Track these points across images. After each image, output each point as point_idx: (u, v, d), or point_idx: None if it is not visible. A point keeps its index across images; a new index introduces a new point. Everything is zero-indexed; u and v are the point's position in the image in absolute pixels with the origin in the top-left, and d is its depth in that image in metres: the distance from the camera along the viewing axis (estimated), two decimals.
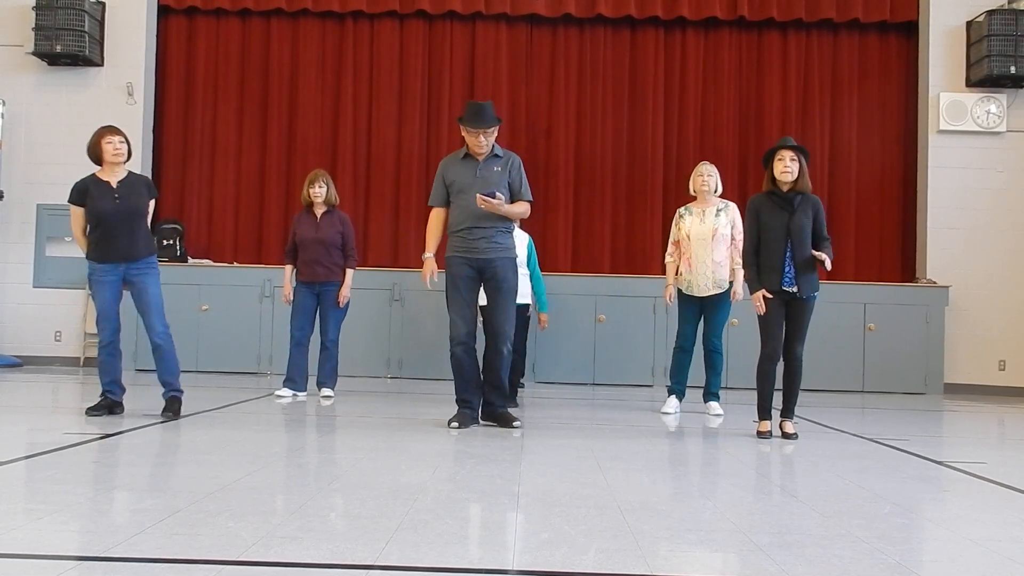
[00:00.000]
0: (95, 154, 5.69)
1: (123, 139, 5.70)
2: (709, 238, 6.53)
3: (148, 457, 4.55)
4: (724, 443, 5.44)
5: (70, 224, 5.79)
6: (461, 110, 10.41)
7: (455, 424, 5.55)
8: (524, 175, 5.78)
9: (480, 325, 5.84)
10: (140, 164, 9.81)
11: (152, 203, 5.78)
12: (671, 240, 6.78)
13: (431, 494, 3.47)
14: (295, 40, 10.72)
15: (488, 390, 5.70)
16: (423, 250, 10.37)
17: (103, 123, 9.87)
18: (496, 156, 5.70)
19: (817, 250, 5.43)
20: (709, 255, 6.52)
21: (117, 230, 5.57)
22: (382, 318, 9.63)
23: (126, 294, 5.72)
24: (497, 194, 5.47)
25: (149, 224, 5.79)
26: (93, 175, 5.72)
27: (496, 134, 5.72)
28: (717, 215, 6.60)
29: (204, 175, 10.45)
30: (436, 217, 5.82)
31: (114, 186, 5.63)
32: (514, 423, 5.59)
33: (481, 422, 5.71)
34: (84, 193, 5.63)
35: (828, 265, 5.43)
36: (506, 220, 5.65)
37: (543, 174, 10.40)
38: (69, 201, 5.67)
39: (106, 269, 5.61)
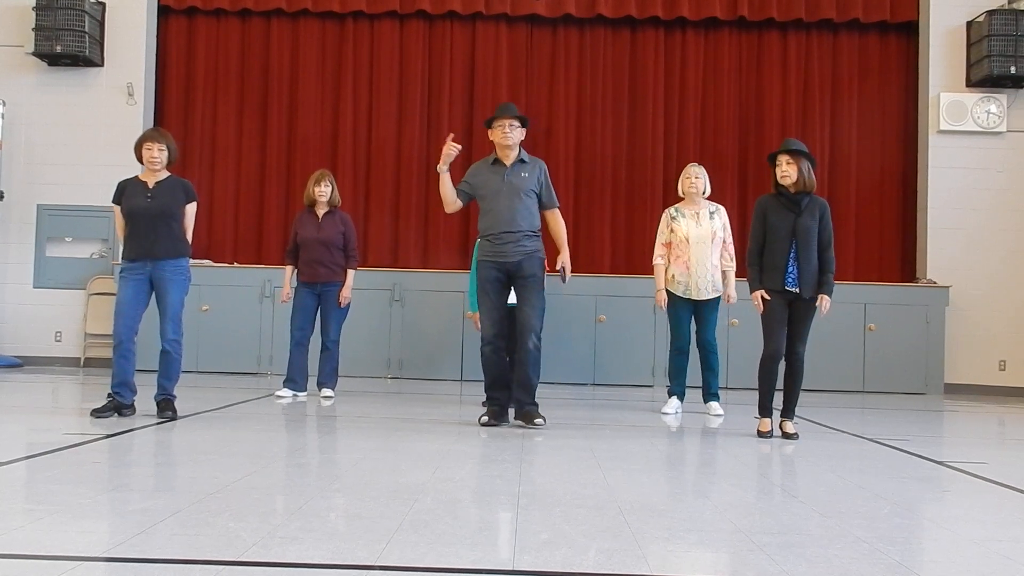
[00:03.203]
0: (138, 155, 5.77)
1: (163, 146, 5.70)
2: (709, 241, 6.54)
3: (148, 457, 4.55)
4: (724, 443, 5.44)
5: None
6: (461, 110, 10.65)
7: (485, 419, 5.66)
8: (550, 181, 5.86)
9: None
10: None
11: (190, 207, 5.77)
12: (660, 241, 6.71)
13: (431, 494, 3.47)
14: (295, 40, 10.72)
15: (516, 386, 5.76)
16: (423, 250, 10.46)
17: (103, 123, 10.14)
18: (523, 162, 5.78)
19: (821, 258, 5.45)
20: (709, 258, 6.53)
21: (143, 228, 5.62)
22: (382, 318, 9.63)
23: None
24: (565, 273, 5.69)
25: (188, 230, 5.78)
26: (135, 176, 5.83)
27: (522, 134, 5.77)
28: (712, 218, 6.61)
29: (204, 175, 10.44)
30: (454, 193, 5.83)
31: (150, 186, 5.70)
32: (536, 420, 5.60)
33: (513, 421, 5.73)
34: (122, 192, 5.75)
35: (824, 310, 5.45)
36: (535, 226, 5.74)
37: None
38: (112, 200, 5.82)
39: (131, 267, 5.66)
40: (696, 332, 6.68)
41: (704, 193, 6.70)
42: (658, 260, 6.70)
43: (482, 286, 5.78)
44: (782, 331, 5.49)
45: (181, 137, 10.61)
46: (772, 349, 5.49)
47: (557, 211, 5.87)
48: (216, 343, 9.51)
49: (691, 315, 6.67)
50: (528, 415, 5.64)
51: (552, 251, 5.89)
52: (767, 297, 5.46)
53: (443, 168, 5.75)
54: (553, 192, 5.88)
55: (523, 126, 5.79)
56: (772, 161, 5.58)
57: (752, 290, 5.54)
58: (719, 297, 6.63)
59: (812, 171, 5.50)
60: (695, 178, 6.67)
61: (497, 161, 5.79)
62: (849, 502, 3.61)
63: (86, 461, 4.13)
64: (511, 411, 5.81)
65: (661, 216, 6.84)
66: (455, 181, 5.86)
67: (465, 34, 10.71)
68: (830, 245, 5.49)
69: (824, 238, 5.47)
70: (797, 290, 5.43)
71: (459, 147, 5.75)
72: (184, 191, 5.78)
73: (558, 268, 5.72)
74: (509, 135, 5.70)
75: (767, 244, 5.50)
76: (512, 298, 5.84)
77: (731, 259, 6.66)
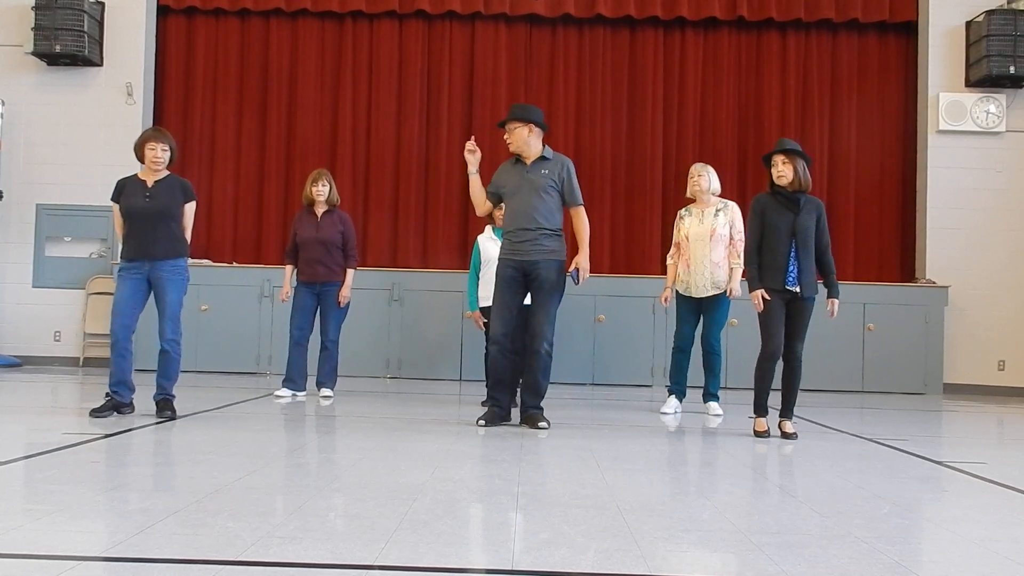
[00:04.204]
0: (139, 154, 5.75)
1: (166, 147, 5.70)
2: (707, 238, 6.52)
3: (147, 457, 4.55)
4: (723, 443, 5.44)
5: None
6: (460, 110, 10.66)
7: (483, 422, 5.63)
8: (575, 178, 5.79)
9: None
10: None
11: (189, 207, 5.76)
12: (673, 241, 6.79)
13: (430, 494, 3.47)
14: (294, 40, 10.71)
15: (522, 389, 5.78)
16: (422, 250, 10.46)
17: (103, 123, 10.14)
18: (544, 159, 5.75)
19: (821, 261, 5.51)
20: (707, 255, 6.51)
21: (142, 228, 5.61)
22: (382, 318, 9.63)
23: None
24: (580, 274, 5.64)
25: (187, 229, 5.77)
26: (134, 174, 5.82)
27: (527, 133, 5.70)
28: (716, 215, 6.58)
29: (203, 175, 10.44)
30: (485, 194, 5.91)
31: (149, 185, 5.69)
32: (540, 424, 5.59)
33: (517, 423, 5.73)
34: (121, 191, 5.74)
35: (834, 314, 5.62)
36: (554, 224, 5.68)
37: None
38: (111, 199, 5.81)
39: (129, 266, 5.65)
40: (702, 334, 6.67)
41: (712, 191, 6.69)
42: (668, 260, 6.79)
43: (497, 284, 5.76)
44: (781, 330, 5.49)
45: (180, 137, 10.60)
46: (772, 348, 5.49)
47: (581, 209, 5.79)
48: (215, 343, 9.51)
49: (694, 314, 6.66)
50: (532, 419, 5.63)
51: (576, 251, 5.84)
52: (767, 297, 5.46)
53: (472, 171, 5.81)
54: (577, 190, 5.79)
55: (527, 123, 5.70)
56: (767, 162, 5.59)
57: (752, 289, 5.54)
58: (723, 296, 6.57)
59: (807, 170, 5.51)
60: (697, 176, 6.67)
61: (519, 159, 5.79)
62: (849, 502, 3.61)
63: (85, 461, 4.13)
64: (513, 413, 5.81)
65: (663, 214, 6.88)
66: (487, 181, 5.91)
67: (464, 34, 10.70)
68: (828, 247, 5.53)
69: (823, 241, 5.50)
70: (797, 289, 5.44)
71: (475, 148, 5.78)
72: (183, 190, 5.77)
73: (571, 270, 5.68)
74: (508, 141, 5.76)
75: (765, 243, 5.51)
76: (527, 299, 5.82)
77: (738, 256, 6.53)
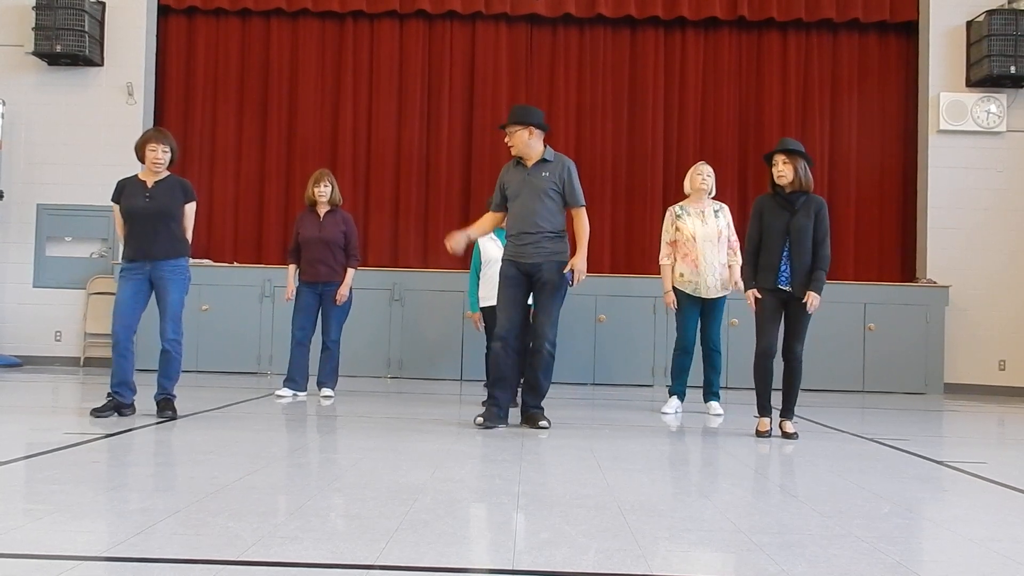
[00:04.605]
0: (140, 155, 5.76)
1: (167, 147, 5.70)
2: (715, 239, 6.52)
3: (148, 457, 4.55)
4: (724, 443, 5.44)
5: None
6: (461, 110, 10.66)
7: (480, 421, 5.61)
8: (575, 180, 5.76)
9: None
10: None
11: (190, 207, 5.76)
12: (665, 241, 6.71)
13: (431, 494, 3.47)
14: (295, 40, 10.72)
15: (523, 388, 5.79)
16: (423, 250, 10.46)
17: (103, 123, 10.15)
18: (545, 161, 5.73)
19: (814, 254, 5.42)
20: (717, 256, 6.50)
21: (142, 228, 5.62)
22: (382, 318, 9.63)
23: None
24: (575, 275, 5.62)
25: (188, 230, 5.77)
26: (135, 175, 5.82)
27: (527, 135, 5.68)
28: (716, 216, 6.59)
29: (204, 175, 10.43)
30: (489, 216, 6.00)
31: (149, 186, 5.69)
32: (540, 423, 5.59)
33: (517, 423, 5.71)
34: (121, 191, 5.75)
35: (811, 307, 5.40)
36: (556, 227, 5.68)
37: None
38: (111, 199, 5.82)
39: (130, 267, 5.66)
40: (702, 331, 6.67)
41: (711, 193, 6.69)
42: (664, 260, 6.69)
43: (501, 281, 5.77)
44: (773, 328, 5.49)
45: (181, 137, 10.60)
46: (764, 346, 5.49)
47: (582, 211, 5.76)
48: (216, 343, 9.51)
49: (698, 314, 6.65)
50: (533, 418, 5.64)
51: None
52: (759, 295, 5.48)
53: (470, 236, 5.89)
54: (578, 191, 5.75)
55: (527, 126, 5.67)
56: (768, 161, 5.58)
57: (746, 288, 5.59)
58: (726, 297, 6.60)
59: (808, 170, 5.50)
60: (706, 176, 6.65)
61: (520, 161, 5.78)
62: (849, 502, 3.61)
63: (86, 461, 4.13)
64: (513, 413, 5.81)
65: (664, 214, 6.83)
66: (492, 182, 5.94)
67: (465, 34, 10.70)
68: (823, 242, 5.45)
69: (818, 235, 5.44)
70: (789, 289, 5.43)
71: (449, 239, 5.82)
72: (183, 191, 5.77)
73: (566, 270, 5.65)
74: (508, 143, 5.75)
75: (763, 243, 5.51)
76: (530, 299, 5.83)
77: (735, 254, 6.59)
